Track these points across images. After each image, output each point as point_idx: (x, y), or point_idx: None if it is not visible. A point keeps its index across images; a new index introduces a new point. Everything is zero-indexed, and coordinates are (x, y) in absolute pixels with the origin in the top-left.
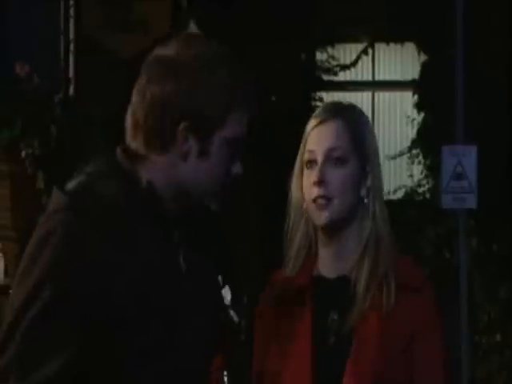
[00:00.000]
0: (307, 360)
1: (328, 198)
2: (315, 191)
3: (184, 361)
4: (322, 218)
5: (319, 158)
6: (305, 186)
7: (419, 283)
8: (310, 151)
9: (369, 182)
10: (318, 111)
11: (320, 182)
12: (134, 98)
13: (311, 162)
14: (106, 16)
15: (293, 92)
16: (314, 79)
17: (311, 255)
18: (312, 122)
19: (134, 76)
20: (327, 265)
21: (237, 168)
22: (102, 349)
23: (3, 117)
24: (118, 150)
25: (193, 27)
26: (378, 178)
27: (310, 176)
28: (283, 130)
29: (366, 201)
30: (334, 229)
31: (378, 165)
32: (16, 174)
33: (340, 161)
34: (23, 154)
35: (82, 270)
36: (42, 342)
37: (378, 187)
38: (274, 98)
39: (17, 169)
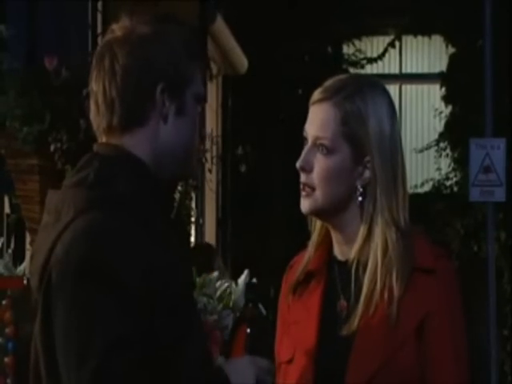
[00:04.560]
0: (312, 348)
1: (311, 186)
2: (301, 176)
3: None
4: (304, 206)
5: (309, 140)
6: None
7: (433, 264)
8: (305, 130)
9: (368, 173)
10: (325, 83)
11: (302, 169)
12: (97, 84)
13: (305, 140)
14: (134, 9)
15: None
16: (341, 72)
17: (331, 238)
18: (313, 96)
19: None
20: (337, 248)
21: (203, 130)
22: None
23: (32, 111)
24: (102, 141)
25: (220, 20)
26: (384, 170)
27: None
28: None
29: (360, 192)
30: (321, 218)
31: (388, 155)
32: (45, 169)
33: (326, 149)
34: (52, 148)
35: (129, 257)
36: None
37: (381, 177)
38: (300, 92)
39: (46, 163)
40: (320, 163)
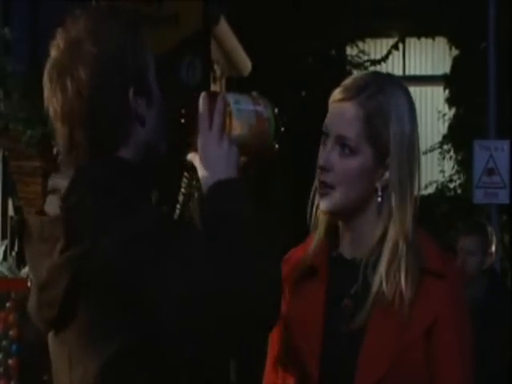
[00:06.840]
0: (317, 347)
1: (331, 186)
2: (320, 174)
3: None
4: (322, 205)
5: (330, 138)
6: (318, 160)
7: (442, 268)
8: (325, 125)
9: (387, 175)
10: (345, 82)
11: (323, 168)
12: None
13: (325, 135)
14: (138, 10)
15: (323, 87)
16: (345, 74)
17: (337, 234)
18: (335, 95)
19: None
20: (346, 247)
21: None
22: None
23: (35, 114)
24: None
25: (223, 22)
26: (400, 171)
27: (320, 152)
28: (312, 125)
29: (379, 193)
30: (339, 217)
31: (405, 156)
32: (48, 171)
33: (349, 149)
34: (55, 150)
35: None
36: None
37: (397, 180)
38: (303, 93)
39: (49, 166)
40: (342, 163)
